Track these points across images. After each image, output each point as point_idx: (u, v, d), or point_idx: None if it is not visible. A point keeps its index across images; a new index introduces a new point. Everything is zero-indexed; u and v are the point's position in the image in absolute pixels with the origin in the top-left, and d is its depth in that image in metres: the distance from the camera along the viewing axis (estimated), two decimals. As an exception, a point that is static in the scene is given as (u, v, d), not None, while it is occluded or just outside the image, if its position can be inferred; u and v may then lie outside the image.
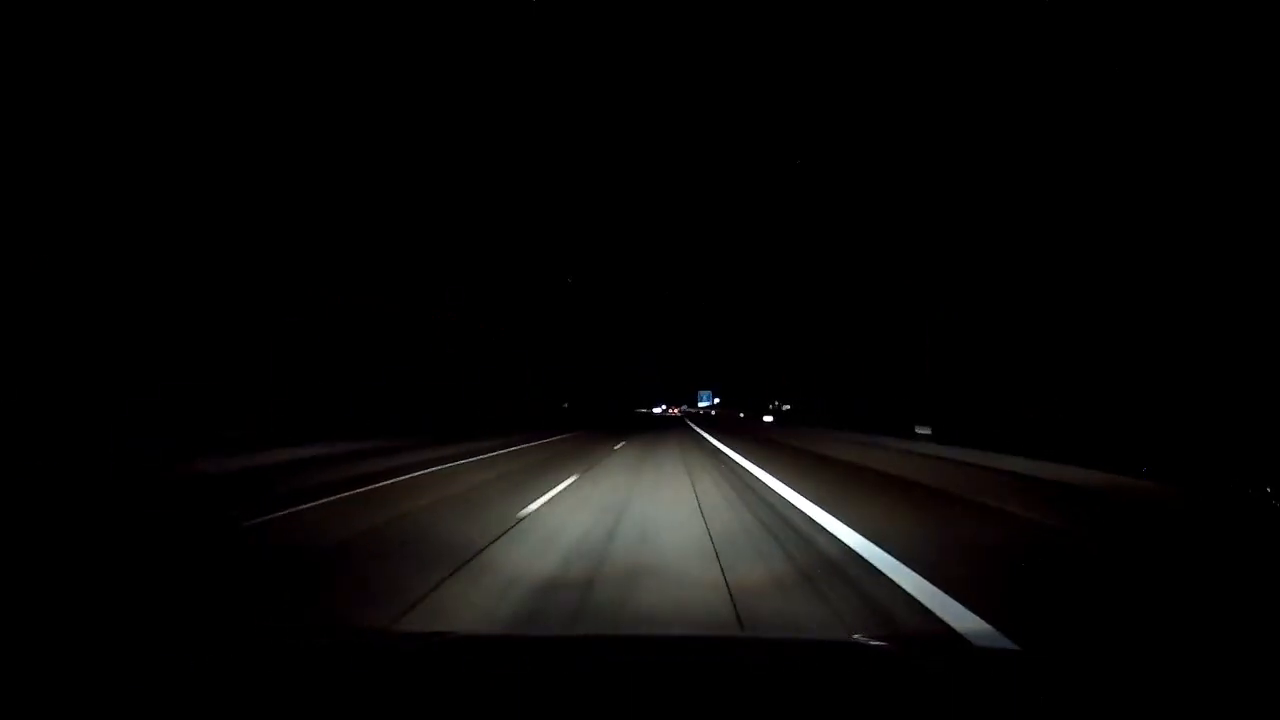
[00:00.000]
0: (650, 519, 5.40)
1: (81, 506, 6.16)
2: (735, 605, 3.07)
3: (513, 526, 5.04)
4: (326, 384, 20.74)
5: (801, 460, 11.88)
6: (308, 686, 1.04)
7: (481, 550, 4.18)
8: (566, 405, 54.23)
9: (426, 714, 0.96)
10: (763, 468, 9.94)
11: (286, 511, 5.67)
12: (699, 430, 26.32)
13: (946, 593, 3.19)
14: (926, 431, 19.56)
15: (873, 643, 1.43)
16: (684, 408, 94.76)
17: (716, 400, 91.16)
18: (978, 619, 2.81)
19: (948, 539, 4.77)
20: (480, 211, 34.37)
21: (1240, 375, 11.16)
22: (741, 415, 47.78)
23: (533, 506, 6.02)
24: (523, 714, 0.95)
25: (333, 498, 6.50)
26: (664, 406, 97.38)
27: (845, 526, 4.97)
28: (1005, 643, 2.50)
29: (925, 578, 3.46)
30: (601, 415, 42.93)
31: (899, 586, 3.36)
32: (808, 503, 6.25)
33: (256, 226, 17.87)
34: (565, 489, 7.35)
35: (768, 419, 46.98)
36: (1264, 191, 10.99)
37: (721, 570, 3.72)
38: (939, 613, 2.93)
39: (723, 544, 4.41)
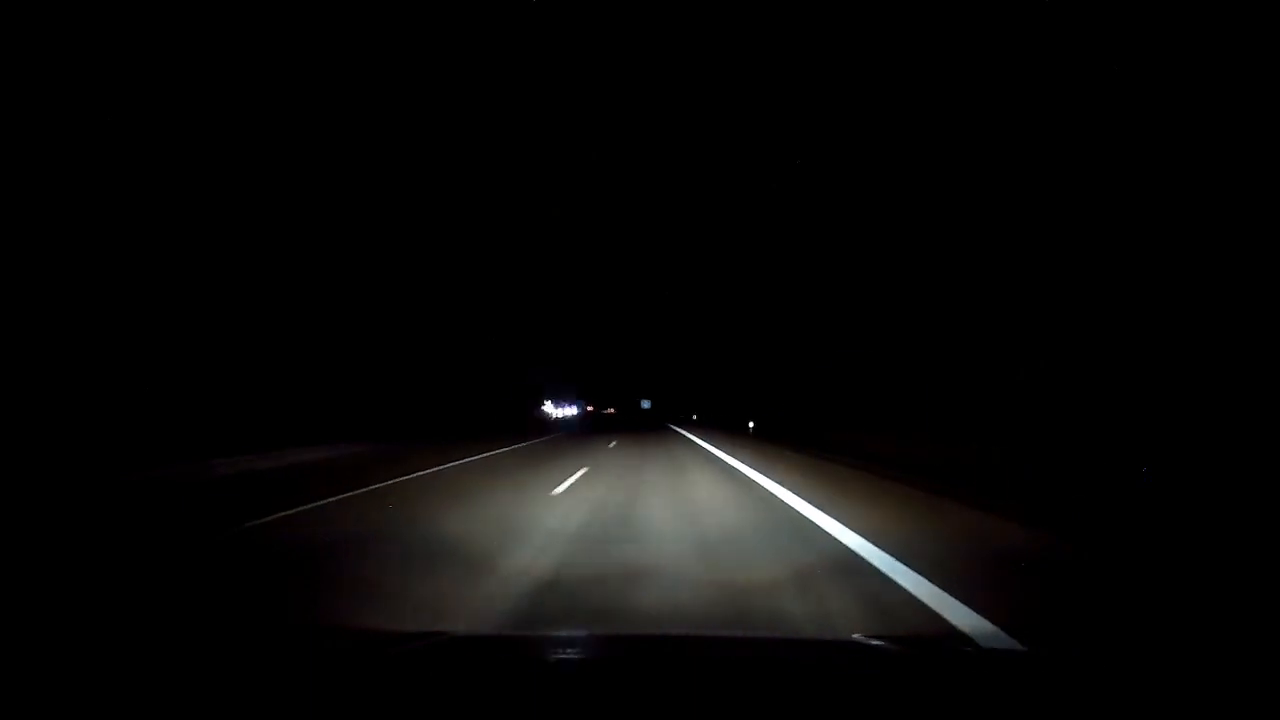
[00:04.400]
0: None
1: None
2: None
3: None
4: (324, 384, 20.70)
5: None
6: (309, 686, 1.04)
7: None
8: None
9: (426, 714, 0.95)
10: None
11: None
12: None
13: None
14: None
15: (873, 642, 1.43)
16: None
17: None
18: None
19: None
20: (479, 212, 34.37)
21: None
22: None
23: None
24: (523, 714, 0.94)
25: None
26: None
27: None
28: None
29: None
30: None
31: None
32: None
33: (258, 228, 17.87)
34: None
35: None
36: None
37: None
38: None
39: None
